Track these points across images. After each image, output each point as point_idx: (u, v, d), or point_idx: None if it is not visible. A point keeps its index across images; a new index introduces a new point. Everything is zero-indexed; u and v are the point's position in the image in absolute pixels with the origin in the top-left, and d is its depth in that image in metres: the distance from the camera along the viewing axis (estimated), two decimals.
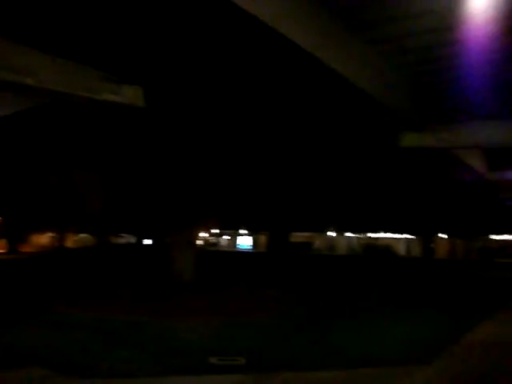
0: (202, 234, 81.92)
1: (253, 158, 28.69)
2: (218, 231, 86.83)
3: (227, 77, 15.45)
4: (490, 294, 21.27)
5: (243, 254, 65.90)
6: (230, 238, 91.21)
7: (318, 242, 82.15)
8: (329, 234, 79.63)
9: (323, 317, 14.24)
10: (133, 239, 77.49)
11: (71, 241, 67.62)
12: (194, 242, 24.27)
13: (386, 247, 72.86)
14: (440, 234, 71.27)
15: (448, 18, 5.67)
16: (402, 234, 74.17)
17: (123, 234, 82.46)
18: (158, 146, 24.02)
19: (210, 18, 9.45)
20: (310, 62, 6.36)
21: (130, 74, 14.47)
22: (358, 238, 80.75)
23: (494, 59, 7.18)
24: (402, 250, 76.16)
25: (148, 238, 70.01)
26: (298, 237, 75.61)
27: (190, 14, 9.65)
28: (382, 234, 74.96)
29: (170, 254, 23.04)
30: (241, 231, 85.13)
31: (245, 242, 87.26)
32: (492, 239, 69.53)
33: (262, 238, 77.55)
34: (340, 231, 77.03)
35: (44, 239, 62.10)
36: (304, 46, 5.99)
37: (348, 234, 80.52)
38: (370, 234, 77.50)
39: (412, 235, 74.77)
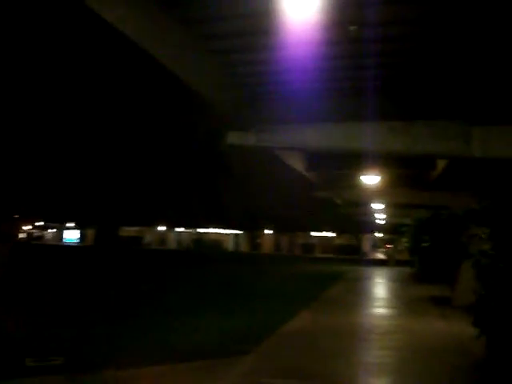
0: (25, 228, 76.83)
1: (78, 147, 27.53)
2: (43, 224, 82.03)
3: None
4: (307, 286, 22.74)
5: (68, 248, 62.86)
6: (55, 231, 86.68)
7: (148, 237, 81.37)
8: (160, 228, 79.29)
9: (141, 312, 14.07)
10: None
11: None
12: (12, 235, 22.54)
13: (215, 242, 74.51)
14: (266, 230, 74.64)
15: (273, 21, 5.86)
16: (230, 229, 76.29)
17: None
18: None
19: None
20: (131, 49, 6.23)
21: None
22: (188, 232, 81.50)
23: (316, 67, 7.61)
24: (230, 244, 78.44)
25: None
26: (128, 231, 74.24)
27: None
28: (211, 230, 76.38)
29: None
30: (68, 224, 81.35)
31: (72, 235, 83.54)
32: (313, 236, 74.54)
33: (91, 232, 74.85)
34: (171, 226, 77.03)
35: None
36: (131, 36, 5.81)
37: (179, 229, 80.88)
38: (200, 229, 78.59)
39: (240, 230, 77.36)
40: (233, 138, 9.03)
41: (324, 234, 72.43)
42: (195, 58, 6.86)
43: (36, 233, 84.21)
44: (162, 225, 76.24)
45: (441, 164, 14.22)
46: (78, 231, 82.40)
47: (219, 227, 74.46)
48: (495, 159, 8.10)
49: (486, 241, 9.03)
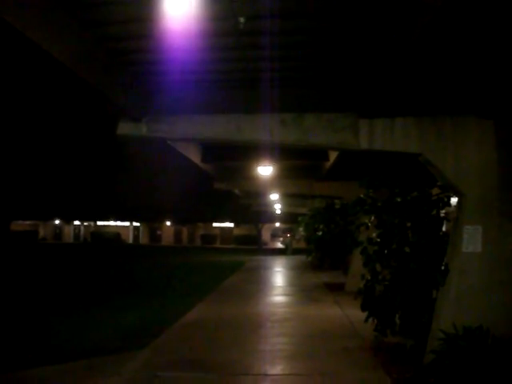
0: None
1: None
2: None
3: None
4: (205, 277, 22.82)
5: None
6: None
7: (43, 231, 78.12)
8: (55, 222, 76.36)
9: (31, 311, 13.51)
10: None
11: None
12: None
13: (114, 235, 72.85)
14: (166, 222, 73.95)
15: (159, 10, 5.74)
16: (130, 221, 74.90)
17: None
18: None
19: None
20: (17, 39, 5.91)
21: None
22: (85, 226, 79.09)
23: (206, 58, 7.59)
24: (130, 237, 77.03)
25: None
26: (22, 225, 70.82)
27: None
28: (110, 222, 74.56)
29: None
30: None
31: None
32: (213, 226, 74.77)
33: None
34: (67, 219, 74.36)
35: None
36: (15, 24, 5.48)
37: (76, 222, 78.31)
38: (98, 222, 76.51)
39: (139, 222, 76.12)
40: (123, 128, 8.81)
41: (225, 224, 72.82)
42: (82, 44, 6.60)
43: None
44: (58, 218, 73.40)
45: (333, 155, 14.73)
46: None
47: (118, 219, 72.80)
48: (379, 151, 8.49)
49: (373, 229, 9.49)
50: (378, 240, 9.09)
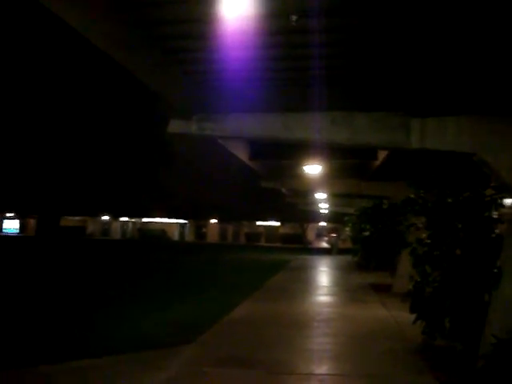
0: None
1: (15, 133, 26.70)
2: None
3: None
4: (251, 275, 22.90)
5: (7, 238, 60.78)
6: None
7: (91, 227, 79.89)
8: (103, 218, 77.92)
9: (85, 304, 13.86)
10: None
11: None
12: None
13: (160, 232, 73.82)
14: (212, 220, 74.50)
15: (212, 9, 5.78)
16: (176, 218, 75.72)
17: None
18: None
19: None
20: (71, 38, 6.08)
21: None
22: (132, 222, 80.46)
23: (256, 56, 7.60)
24: (176, 234, 77.96)
25: None
26: (71, 221, 72.57)
27: None
28: (156, 219, 75.59)
29: None
30: (7, 214, 78.74)
31: (12, 225, 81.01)
32: (258, 225, 74.87)
33: (31, 222, 72.76)
34: (114, 215, 75.75)
35: None
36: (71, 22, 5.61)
37: (123, 219, 79.71)
38: (144, 219, 77.65)
39: (185, 220, 76.95)
40: (174, 126, 8.93)
41: (270, 223, 72.78)
42: (137, 43, 6.70)
43: None
44: (106, 214, 74.87)
45: (382, 155, 14.52)
46: (18, 221, 79.96)
47: (164, 216, 73.74)
48: (430, 150, 8.32)
49: (423, 230, 9.33)
50: (428, 241, 8.93)
